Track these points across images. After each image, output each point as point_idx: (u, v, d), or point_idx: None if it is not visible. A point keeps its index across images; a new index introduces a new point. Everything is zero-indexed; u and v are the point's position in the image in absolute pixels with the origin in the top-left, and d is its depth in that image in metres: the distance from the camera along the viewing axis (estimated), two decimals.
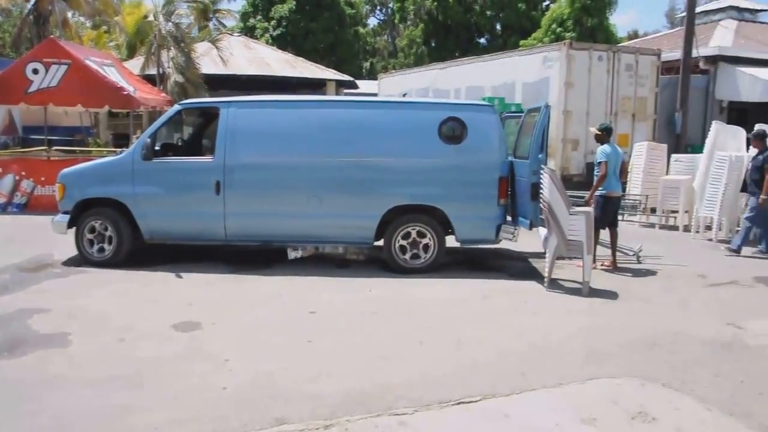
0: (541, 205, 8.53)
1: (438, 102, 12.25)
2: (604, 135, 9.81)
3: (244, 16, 38.50)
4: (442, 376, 5.53)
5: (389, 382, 5.39)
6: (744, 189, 11.55)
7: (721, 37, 20.87)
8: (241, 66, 22.34)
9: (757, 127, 11.73)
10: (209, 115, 10.26)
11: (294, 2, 35.71)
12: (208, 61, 21.30)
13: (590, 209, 8.73)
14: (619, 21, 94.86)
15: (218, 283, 8.52)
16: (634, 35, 48.36)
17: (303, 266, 9.52)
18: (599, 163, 9.60)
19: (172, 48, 19.01)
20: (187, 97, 16.28)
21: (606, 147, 9.66)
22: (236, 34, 27.87)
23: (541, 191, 8.47)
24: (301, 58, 24.13)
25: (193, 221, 9.22)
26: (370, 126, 9.07)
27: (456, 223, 9.04)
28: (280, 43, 33.61)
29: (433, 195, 9.03)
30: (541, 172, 8.49)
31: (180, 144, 11.14)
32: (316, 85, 22.27)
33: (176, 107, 9.82)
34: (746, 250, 11.13)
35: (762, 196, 10.81)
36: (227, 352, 5.99)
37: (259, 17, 37.34)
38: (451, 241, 9.34)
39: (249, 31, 35.78)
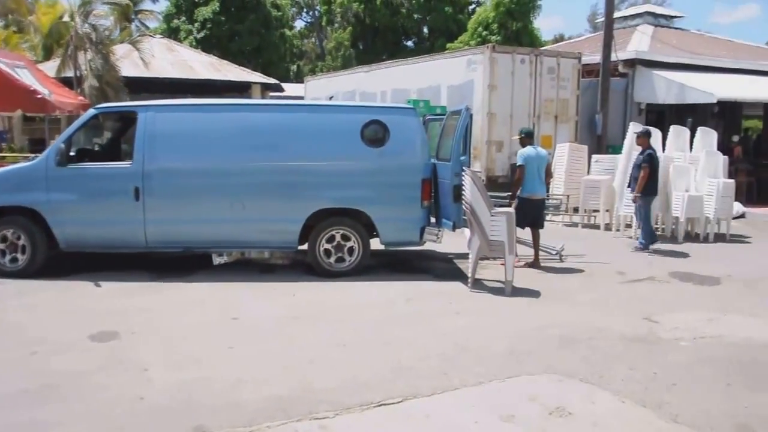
0: (463, 206, 8.63)
1: (360, 105, 12.30)
2: (526, 139, 10.03)
3: (167, 18, 37.77)
4: (365, 378, 5.54)
5: (311, 386, 5.37)
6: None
7: (638, 42, 21.50)
8: (163, 69, 21.94)
9: (641, 128, 12.28)
10: (127, 120, 10.05)
11: (218, 4, 35.22)
12: (129, 63, 20.85)
13: (512, 210, 8.88)
14: (545, 25, 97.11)
15: (139, 291, 8.34)
16: (560, 38, 49.41)
17: (227, 272, 9.40)
18: (518, 166, 9.80)
19: (89, 50, 18.51)
20: (106, 101, 15.88)
21: (525, 150, 9.87)
22: (158, 36, 27.32)
23: (463, 193, 8.57)
24: (225, 61, 23.85)
25: (112, 229, 9.00)
26: (292, 129, 9.03)
27: (380, 226, 9.08)
28: (205, 45, 33.13)
29: (356, 198, 9.04)
30: (463, 173, 8.59)
31: (97, 149, 10.86)
32: (241, 89, 22.05)
33: (92, 111, 9.55)
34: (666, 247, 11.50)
35: (635, 193, 11.31)
36: (146, 361, 5.86)
37: (183, 19, 36.71)
38: (376, 244, 9.38)
39: (172, 33, 35.13)
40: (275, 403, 5.04)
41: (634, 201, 11.40)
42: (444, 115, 10.85)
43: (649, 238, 11.44)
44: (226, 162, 8.97)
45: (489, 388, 5.39)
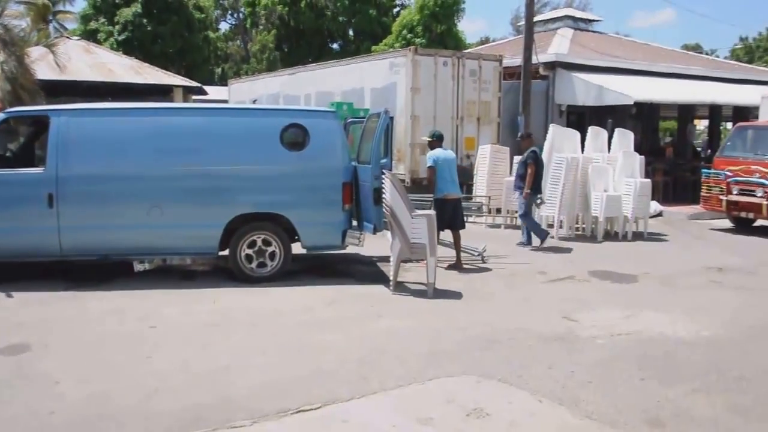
0: (384, 209, 8.62)
1: (279, 108, 12.22)
2: (436, 142, 10.12)
3: (85, 19, 36.70)
4: (284, 384, 5.46)
5: (229, 394, 5.26)
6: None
7: (558, 45, 21.90)
8: (81, 72, 21.26)
9: (523, 131, 12.75)
10: (40, 124, 9.68)
11: (140, 5, 34.44)
12: (46, 66, 20.14)
13: (432, 212, 8.91)
14: (471, 28, 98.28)
15: (54, 301, 8.03)
16: (485, 41, 50.09)
17: (148, 279, 9.16)
18: (428, 168, 9.88)
19: (1, 52, 17.80)
20: (21, 105, 15.30)
21: (434, 152, 9.98)
22: (75, 38, 26.52)
23: (383, 196, 8.56)
24: (146, 64, 23.30)
25: (24, 237, 8.65)
26: (211, 133, 8.87)
27: (301, 230, 8.99)
28: (126, 47, 32.33)
29: (277, 202, 8.93)
30: (383, 176, 8.57)
31: (8, 155, 10.44)
32: (163, 92, 21.57)
33: (1, 116, 9.20)
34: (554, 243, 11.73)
35: (525, 190, 11.58)
36: (58, 374, 5.65)
37: (102, 20, 35.74)
38: (299, 248, 9.28)
39: (91, 35, 34.17)
40: (192, 413, 4.92)
41: (525, 198, 11.67)
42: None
43: (540, 234, 11.75)
44: (143, 167, 8.75)
45: (408, 391, 5.37)
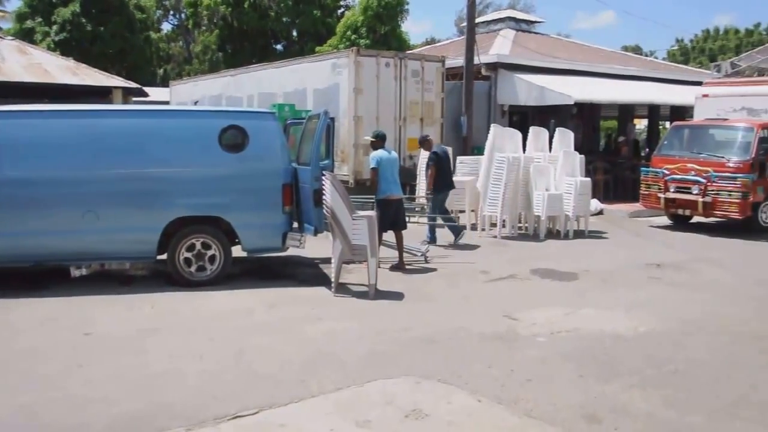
0: (324, 210, 8.55)
1: (217, 110, 12.02)
2: (379, 142, 10.09)
3: (20, 18, 35.65)
4: (221, 390, 5.36)
5: (164, 401, 5.15)
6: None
7: (500, 46, 22.09)
8: (15, 72, 20.62)
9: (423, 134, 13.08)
10: None
11: (78, 5, 33.60)
12: None
13: (372, 213, 8.88)
14: (417, 29, 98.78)
15: None
16: (430, 42, 50.26)
17: (84, 285, 8.90)
18: (371, 169, 9.85)
19: None
20: None
21: (377, 153, 9.94)
22: (9, 38, 25.75)
23: (323, 197, 8.49)
24: (84, 65, 22.68)
25: None
26: (147, 136, 8.68)
27: (241, 233, 8.86)
28: (65, 48, 31.46)
29: (216, 205, 8.79)
30: (323, 178, 8.50)
31: None
32: (102, 93, 21.05)
33: None
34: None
35: (426, 192, 11.97)
36: None
37: (38, 20, 34.78)
38: (240, 251, 9.16)
39: (27, 35, 33.19)
40: (124, 422, 4.80)
41: (427, 199, 12.02)
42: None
43: (455, 230, 12.05)
44: (77, 170, 8.53)
45: (347, 394, 5.32)
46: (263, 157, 8.90)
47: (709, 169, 13.76)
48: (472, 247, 12.02)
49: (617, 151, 23.80)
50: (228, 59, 39.34)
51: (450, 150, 13.19)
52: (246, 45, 40.00)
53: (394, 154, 10.40)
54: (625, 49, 51.10)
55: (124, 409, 5.01)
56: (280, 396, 5.23)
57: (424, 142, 12.30)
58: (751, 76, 18.03)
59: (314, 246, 9.79)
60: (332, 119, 9.90)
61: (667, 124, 24.51)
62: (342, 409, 5.02)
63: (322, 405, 5.11)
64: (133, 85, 21.22)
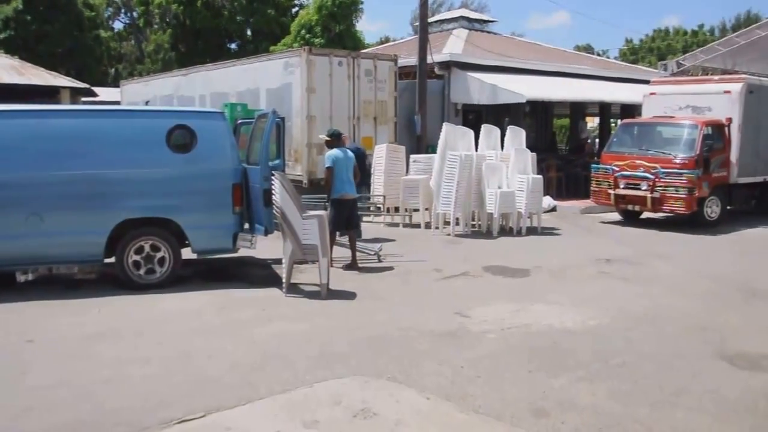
0: (274, 210, 8.50)
1: (165, 110, 11.92)
2: (334, 140, 10.05)
3: None
4: (167, 394, 5.30)
5: (109, 407, 5.06)
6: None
7: (453, 45, 22.20)
8: None
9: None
10: None
11: (21, 2, 32.83)
12: None
13: (323, 212, 8.85)
14: (373, 28, 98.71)
15: None
16: (385, 41, 50.28)
17: (30, 290, 8.73)
18: (326, 168, 9.82)
19: None
20: None
21: (332, 152, 9.90)
22: None
23: (273, 197, 8.43)
24: (30, 64, 22.22)
25: None
26: (93, 136, 8.52)
27: (191, 234, 8.76)
28: (9, 47, 30.75)
29: (164, 207, 8.67)
30: (273, 177, 8.45)
31: None
32: (49, 94, 20.65)
33: None
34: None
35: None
36: None
37: None
38: (191, 253, 9.07)
39: None
40: (67, 431, 4.69)
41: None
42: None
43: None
44: (20, 173, 8.32)
45: (295, 395, 5.28)
46: (212, 157, 8.81)
47: (656, 165, 14.02)
48: (426, 245, 12.05)
49: (581, 149, 24.14)
50: (181, 59, 38.91)
51: (364, 150, 13.06)
52: (199, 44, 39.63)
53: (350, 153, 10.37)
54: (578, 48, 51.82)
55: (66, 417, 4.92)
56: (227, 398, 5.19)
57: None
58: (696, 74, 18.43)
59: (268, 246, 9.71)
60: (282, 118, 9.84)
61: (619, 122, 24.92)
62: (290, 411, 4.99)
63: (269, 407, 5.08)
64: (81, 84, 20.85)
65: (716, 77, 17.11)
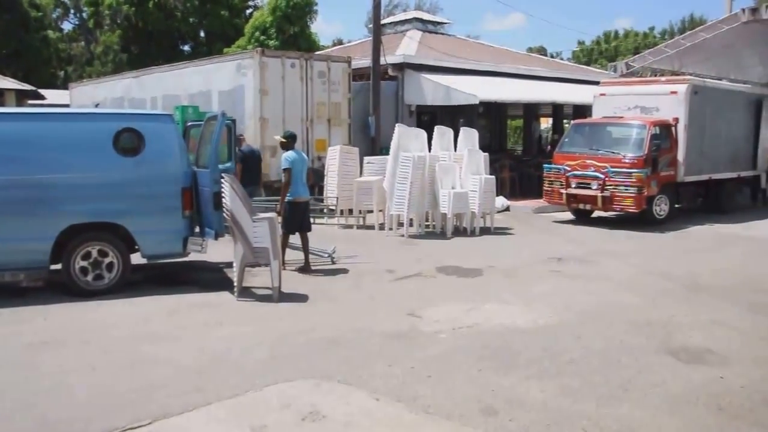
0: (224, 214, 8.42)
1: (112, 113, 11.70)
2: (289, 142, 10.00)
3: None
4: (113, 403, 5.20)
5: (50, 418, 4.96)
6: None
7: (406, 47, 22.27)
8: None
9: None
10: None
11: None
12: None
13: (273, 215, 8.81)
14: (329, 30, 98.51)
15: None
16: (340, 43, 50.22)
17: None
18: (284, 170, 9.76)
19: None
20: None
21: (289, 154, 9.84)
22: None
23: (223, 200, 8.36)
24: None
25: None
26: (37, 140, 8.30)
27: (140, 239, 8.63)
28: None
29: (112, 211, 8.52)
30: (222, 180, 8.37)
31: None
32: None
33: None
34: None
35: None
36: None
37: None
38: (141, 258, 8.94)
39: None
40: None
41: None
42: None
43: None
44: None
45: (244, 400, 5.25)
46: (161, 160, 8.69)
47: (606, 165, 14.24)
48: (380, 246, 12.06)
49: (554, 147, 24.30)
50: (133, 60, 38.37)
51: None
52: (152, 46, 39.11)
53: (304, 155, 10.33)
54: (531, 50, 52.35)
55: (4, 430, 4.80)
56: (175, 405, 5.12)
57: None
58: (645, 76, 18.76)
59: (220, 250, 9.62)
60: (233, 121, 9.78)
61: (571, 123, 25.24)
62: (238, 415, 4.96)
63: (217, 412, 5.03)
64: (26, 87, 20.48)
65: (663, 78, 17.45)
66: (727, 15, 18.34)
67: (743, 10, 16.64)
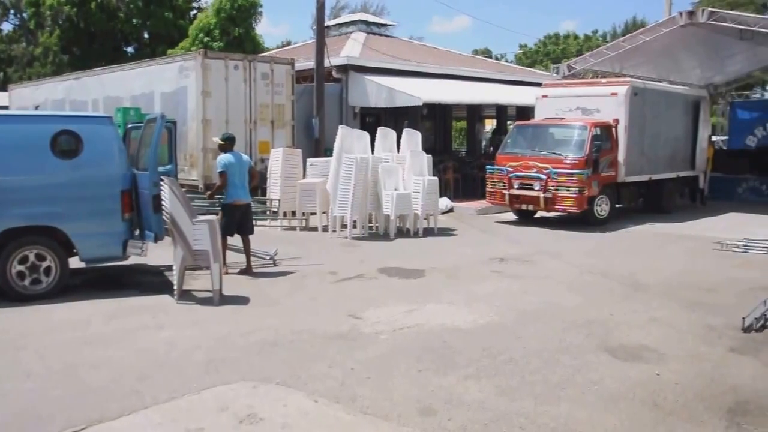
0: (164, 216, 8.33)
1: (49, 114, 11.51)
2: (227, 144, 9.93)
3: None
4: (47, 408, 5.11)
5: None
6: None
7: (350, 48, 22.29)
8: None
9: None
10: None
11: None
12: None
13: (214, 217, 8.74)
14: (277, 32, 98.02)
15: None
16: (288, 44, 49.96)
17: None
18: (219, 173, 9.70)
19: None
20: None
21: (224, 156, 9.79)
22: None
23: (162, 203, 8.26)
24: None
25: None
26: None
27: (78, 243, 8.47)
28: None
29: (49, 214, 8.34)
30: (162, 183, 8.28)
31: None
32: None
33: None
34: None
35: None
36: None
37: None
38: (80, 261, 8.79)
39: None
40: None
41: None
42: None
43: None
44: None
45: (181, 403, 5.20)
46: (99, 162, 8.55)
47: (548, 166, 14.47)
48: (323, 248, 12.05)
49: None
50: (76, 62, 37.56)
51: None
52: (95, 47, 38.34)
53: (246, 157, 10.26)
54: (476, 52, 52.85)
55: None
56: (111, 409, 5.05)
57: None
58: (587, 77, 19.11)
59: (160, 253, 9.49)
60: (174, 123, 9.67)
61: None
62: (175, 419, 4.91)
63: (154, 416, 4.98)
64: None
65: (604, 80, 17.82)
66: (666, 18, 18.77)
67: (681, 13, 17.05)
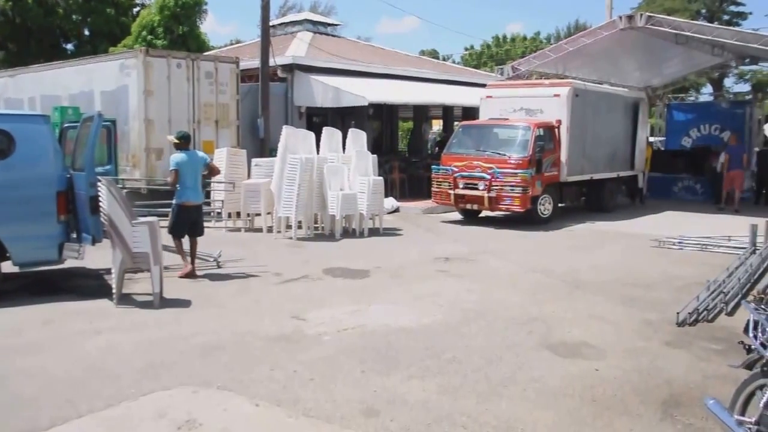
0: (102, 218, 8.13)
1: None
2: (183, 143, 9.71)
3: None
4: None
5: None
6: None
7: (296, 48, 22.14)
8: None
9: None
10: None
11: None
12: None
13: (154, 219, 8.56)
14: (224, 30, 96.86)
15: None
16: (236, 42, 49.39)
17: None
18: (171, 170, 9.50)
19: None
20: None
21: (177, 155, 9.57)
22: None
23: (100, 204, 8.06)
24: None
25: None
26: None
27: (11, 246, 8.19)
28: None
29: None
30: (99, 183, 8.07)
31: None
32: None
33: None
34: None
35: None
36: None
37: None
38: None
39: None
40: None
41: None
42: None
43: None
44: None
45: (118, 410, 5.07)
46: (33, 163, 8.29)
47: (492, 165, 14.59)
48: (268, 250, 11.94)
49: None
50: (12, 58, 36.48)
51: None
52: (32, 44, 37.33)
53: (202, 154, 10.02)
54: (423, 53, 53.04)
55: None
56: (43, 419, 4.90)
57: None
58: (531, 79, 19.34)
59: (100, 256, 9.27)
60: (113, 122, 9.48)
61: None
62: (110, 427, 4.80)
63: (88, 425, 4.84)
64: None
65: (547, 81, 18.06)
66: (607, 22, 19.11)
67: (620, 17, 17.40)
